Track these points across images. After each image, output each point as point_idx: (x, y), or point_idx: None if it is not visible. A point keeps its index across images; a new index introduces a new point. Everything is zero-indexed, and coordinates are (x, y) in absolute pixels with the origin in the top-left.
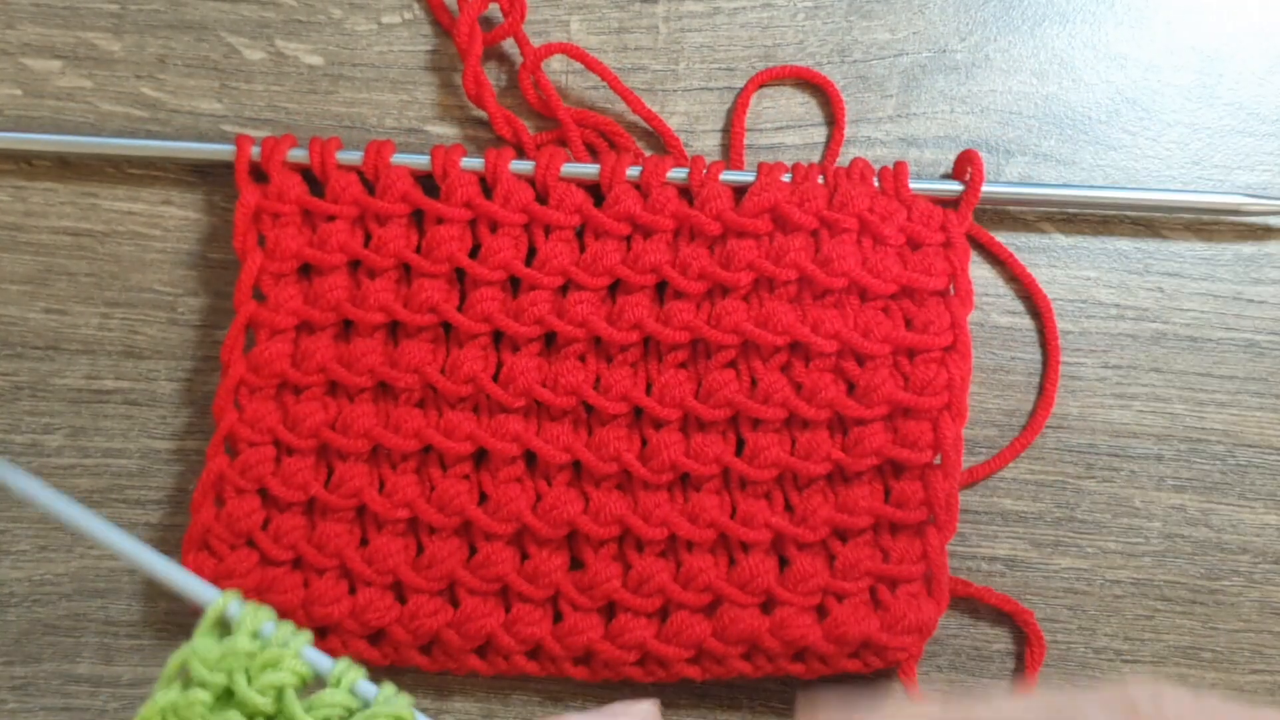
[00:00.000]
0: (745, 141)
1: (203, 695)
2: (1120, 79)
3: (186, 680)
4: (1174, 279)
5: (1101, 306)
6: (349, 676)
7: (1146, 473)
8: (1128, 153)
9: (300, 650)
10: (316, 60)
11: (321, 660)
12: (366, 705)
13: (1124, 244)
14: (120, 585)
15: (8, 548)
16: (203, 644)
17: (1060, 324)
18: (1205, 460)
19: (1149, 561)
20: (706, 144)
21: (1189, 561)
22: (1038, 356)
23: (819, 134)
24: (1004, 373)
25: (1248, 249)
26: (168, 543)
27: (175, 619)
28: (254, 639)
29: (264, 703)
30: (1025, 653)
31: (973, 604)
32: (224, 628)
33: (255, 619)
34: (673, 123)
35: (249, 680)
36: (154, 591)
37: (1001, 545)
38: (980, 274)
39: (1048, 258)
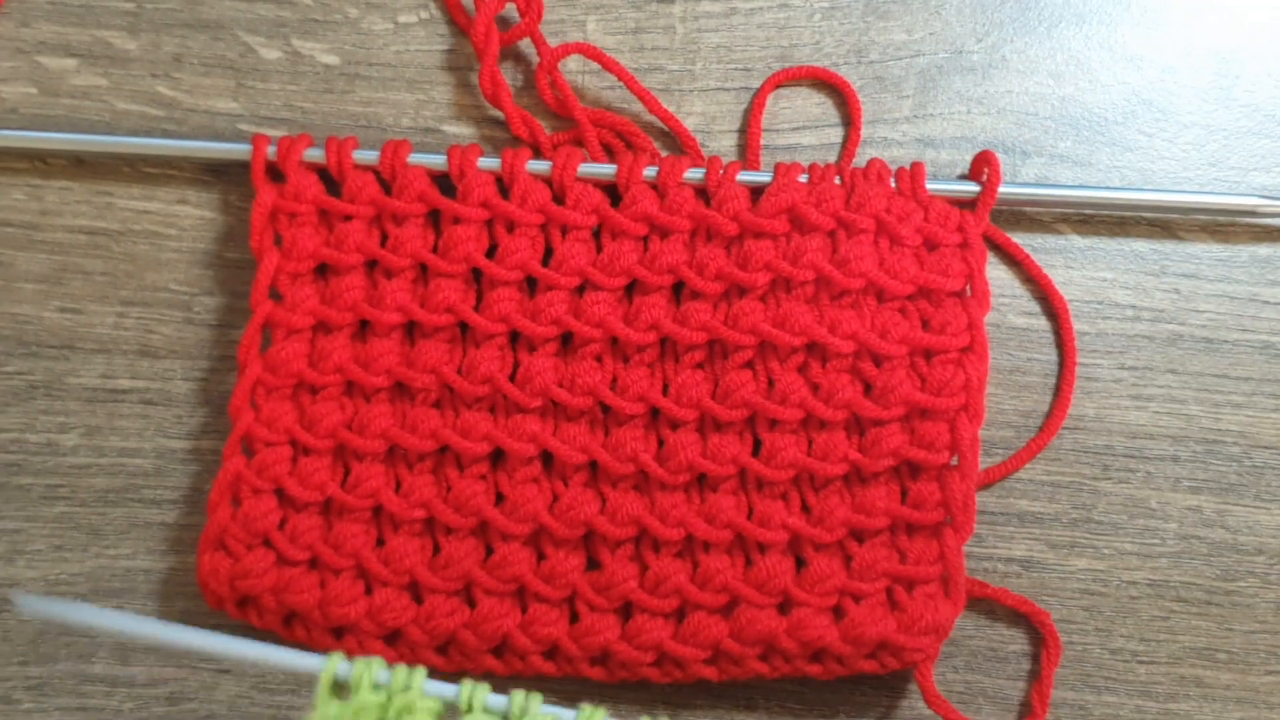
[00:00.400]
0: (762, 142)
1: None
2: (1136, 80)
3: None
4: (1190, 280)
5: (1118, 308)
6: (477, 697)
7: (1163, 474)
8: (1144, 154)
9: (423, 688)
10: (333, 59)
11: (445, 689)
12: (506, 716)
13: (1140, 245)
14: (136, 585)
15: (23, 547)
16: (330, 710)
17: (1077, 325)
18: (1221, 461)
19: (1165, 563)
20: (723, 144)
21: (1205, 563)
22: (1054, 358)
23: (835, 134)
24: (1021, 374)
25: (1264, 251)
26: (184, 542)
27: (192, 618)
28: (376, 690)
29: None
30: (1041, 654)
31: (989, 605)
32: (338, 688)
33: (370, 672)
34: (689, 123)
35: None
36: (170, 591)
37: (1018, 546)
38: (997, 275)
39: (1064, 259)
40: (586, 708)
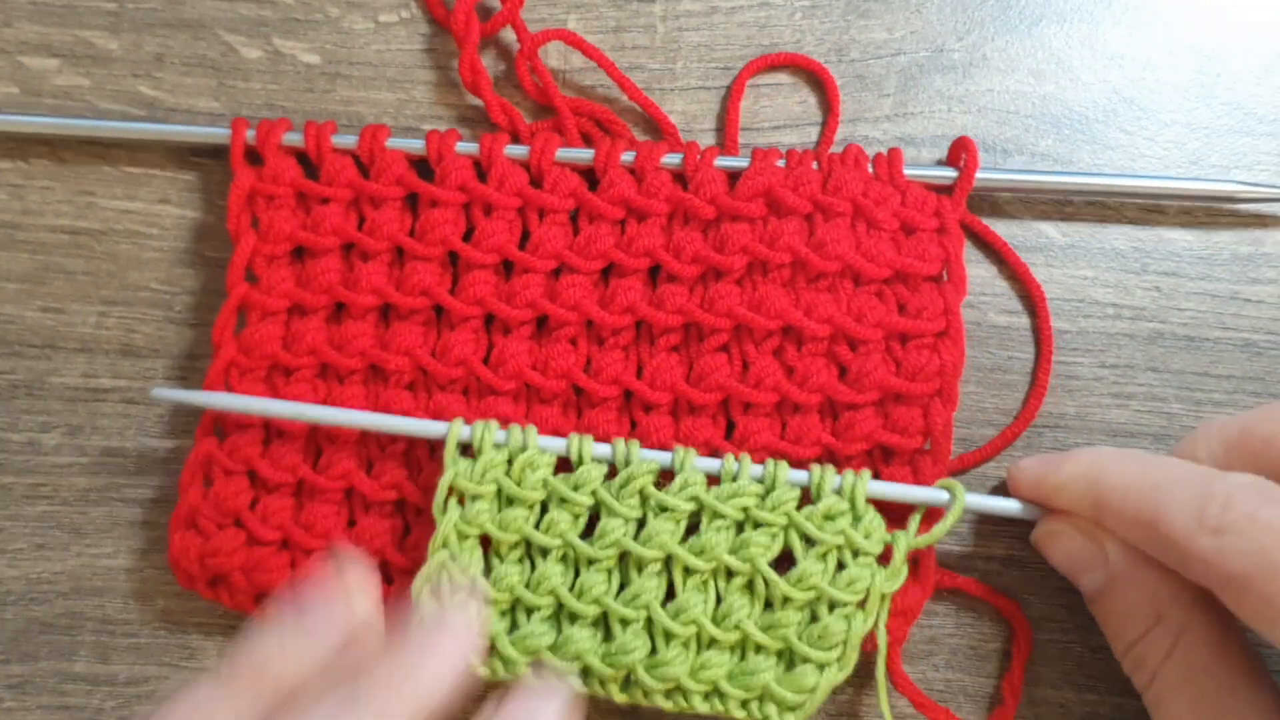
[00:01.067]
0: (743, 140)
1: (483, 505)
2: (1117, 78)
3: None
4: (1171, 278)
5: (1098, 306)
6: (585, 449)
7: None
8: (1125, 152)
9: (538, 443)
10: (314, 59)
11: (556, 444)
12: (628, 462)
13: (1121, 243)
14: (117, 584)
15: (4, 546)
16: (460, 465)
17: (1057, 323)
18: None
19: None
20: (703, 142)
21: None
22: (1034, 354)
23: (816, 133)
24: (1001, 372)
25: (1245, 248)
26: (165, 541)
27: (172, 617)
28: (498, 449)
29: (537, 495)
30: (1012, 644)
31: (972, 603)
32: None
33: (490, 433)
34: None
35: (518, 482)
36: (151, 590)
37: (999, 545)
38: (977, 273)
39: (1044, 257)
40: (680, 449)
